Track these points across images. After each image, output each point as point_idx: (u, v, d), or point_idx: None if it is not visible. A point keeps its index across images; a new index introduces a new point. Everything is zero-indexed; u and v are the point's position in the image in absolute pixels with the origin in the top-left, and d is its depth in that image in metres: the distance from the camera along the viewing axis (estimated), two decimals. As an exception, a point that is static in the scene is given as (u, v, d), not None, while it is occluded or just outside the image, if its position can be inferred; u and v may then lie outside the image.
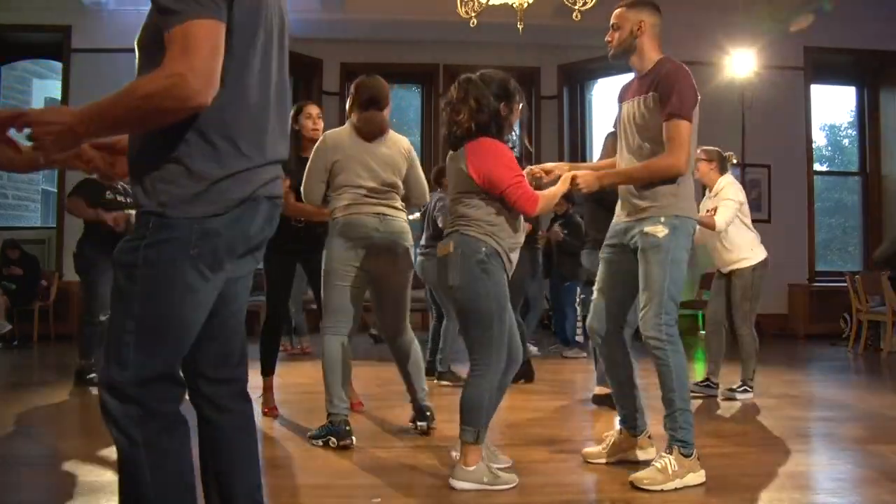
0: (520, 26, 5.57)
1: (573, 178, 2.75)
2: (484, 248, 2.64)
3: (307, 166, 3.43)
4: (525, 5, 5.50)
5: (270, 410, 3.93)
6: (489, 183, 2.64)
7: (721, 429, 3.70)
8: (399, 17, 8.92)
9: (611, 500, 2.60)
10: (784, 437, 3.60)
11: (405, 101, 11.76)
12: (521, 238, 2.79)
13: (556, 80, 10.54)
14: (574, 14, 5.31)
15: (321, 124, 3.99)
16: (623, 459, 2.96)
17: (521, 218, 2.77)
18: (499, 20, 6.22)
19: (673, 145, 2.66)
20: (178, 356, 1.50)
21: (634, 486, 2.64)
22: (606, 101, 10.96)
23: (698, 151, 4.58)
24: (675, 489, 2.62)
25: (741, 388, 4.55)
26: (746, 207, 4.63)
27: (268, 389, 4.00)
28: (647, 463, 2.83)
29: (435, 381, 4.99)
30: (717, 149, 4.73)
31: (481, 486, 2.61)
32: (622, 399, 3.03)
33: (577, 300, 6.68)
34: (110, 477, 2.65)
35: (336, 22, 9.04)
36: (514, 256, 2.76)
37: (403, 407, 4.22)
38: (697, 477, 2.69)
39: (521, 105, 2.77)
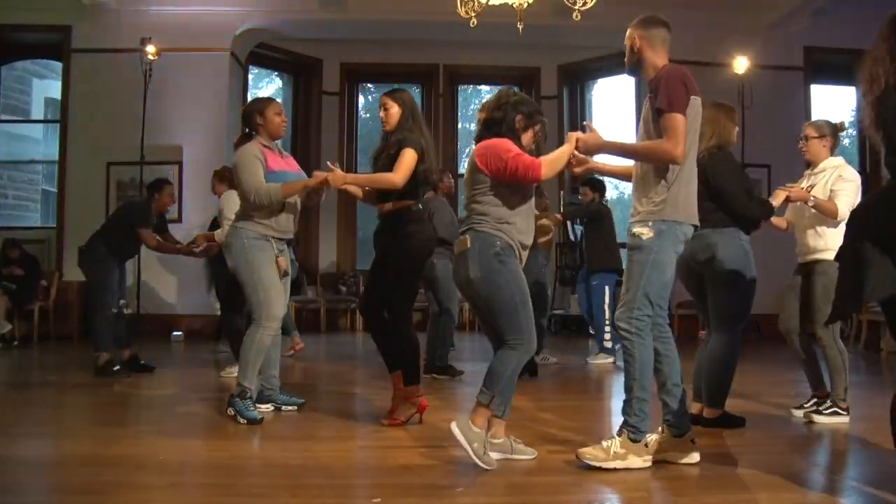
0: (520, 26, 5.58)
1: (576, 139, 2.90)
2: (499, 242, 2.85)
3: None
4: (525, 5, 5.50)
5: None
6: (495, 167, 2.85)
7: (720, 428, 3.69)
8: (399, 17, 8.94)
9: (609, 500, 2.61)
10: (784, 437, 3.61)
11: (405, 101, 11.73)
12: (532, 234, 2.98)
13: (555, 80, 10.55)
14: (574, 14, 5.31)
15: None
16: (663, 460, 2.91)
17: (533, 216, 2.99)
18: (499, 20, 6.22)
19: (668, 136, 2.79)
20: None
21: (578, 459, 2.83)
22: (606, 101, 10.96)
23: (808, 129, 4.04)
24: (615, 469, 2.78)
25: (829, 410, 3.76)
26: None
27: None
28: (687, 467, 2.89)
29: (433, 377, 5.22)
30: (827, 122, 4.05)
31: (467, 447, 2.77)
32: (664, 395, 2.98)
33: (606, 301, 6.23)
34: (110, 477, 2.64)
35: (336, 22, 9.04)
36: (525, 252, 2.96)
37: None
38: (641, 461, 2.83)
39: (537, 128, 3.02)
